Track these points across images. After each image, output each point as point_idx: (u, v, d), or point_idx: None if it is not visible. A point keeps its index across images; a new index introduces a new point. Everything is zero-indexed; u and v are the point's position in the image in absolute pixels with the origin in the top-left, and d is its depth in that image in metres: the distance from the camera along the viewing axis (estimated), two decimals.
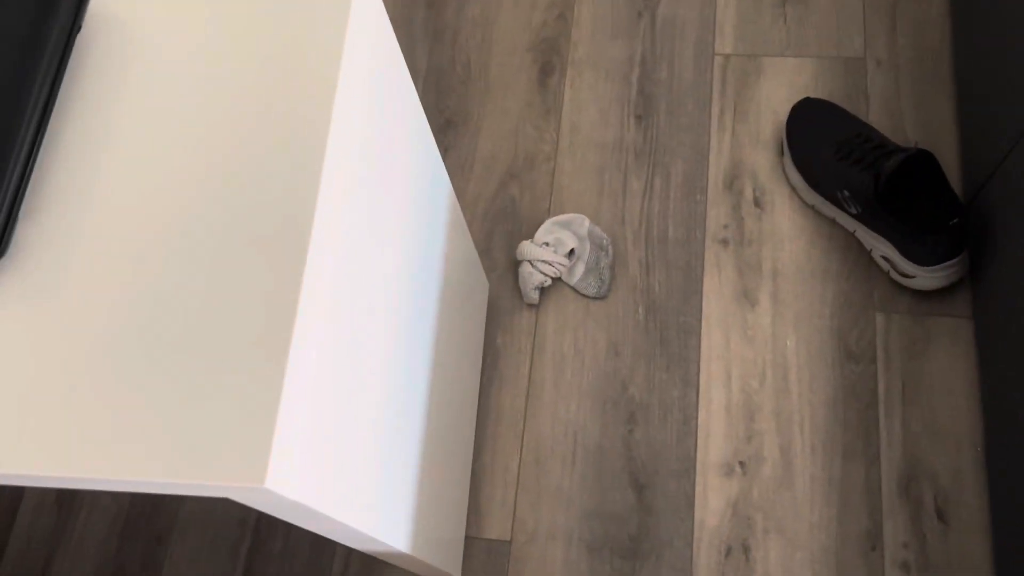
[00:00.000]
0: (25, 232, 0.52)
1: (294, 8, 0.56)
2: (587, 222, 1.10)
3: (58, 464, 0.46)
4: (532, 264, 1.08)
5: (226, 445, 0.45)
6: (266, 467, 0.44)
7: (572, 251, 1.09)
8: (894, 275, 1.04)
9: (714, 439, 1.02)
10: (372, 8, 0.60)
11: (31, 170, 0.52)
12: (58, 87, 0.54)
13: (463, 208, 1.17)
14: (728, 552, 0.97)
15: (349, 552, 1.02)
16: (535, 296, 1.08)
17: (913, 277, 1.02)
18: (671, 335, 1.08)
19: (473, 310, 1.03)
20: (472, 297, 1.02)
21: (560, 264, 1.08)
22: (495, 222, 1.16)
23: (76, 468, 0.45)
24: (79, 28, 0.56)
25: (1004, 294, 0.92)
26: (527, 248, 1.08)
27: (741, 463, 1.01)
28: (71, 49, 0.56)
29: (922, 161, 0.99)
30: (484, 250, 1.14)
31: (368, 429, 0.63)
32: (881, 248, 1.04)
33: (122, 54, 0.57)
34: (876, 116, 1.15)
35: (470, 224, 1.16)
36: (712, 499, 1.00)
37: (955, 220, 0.97)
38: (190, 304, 0.48)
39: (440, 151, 1.20)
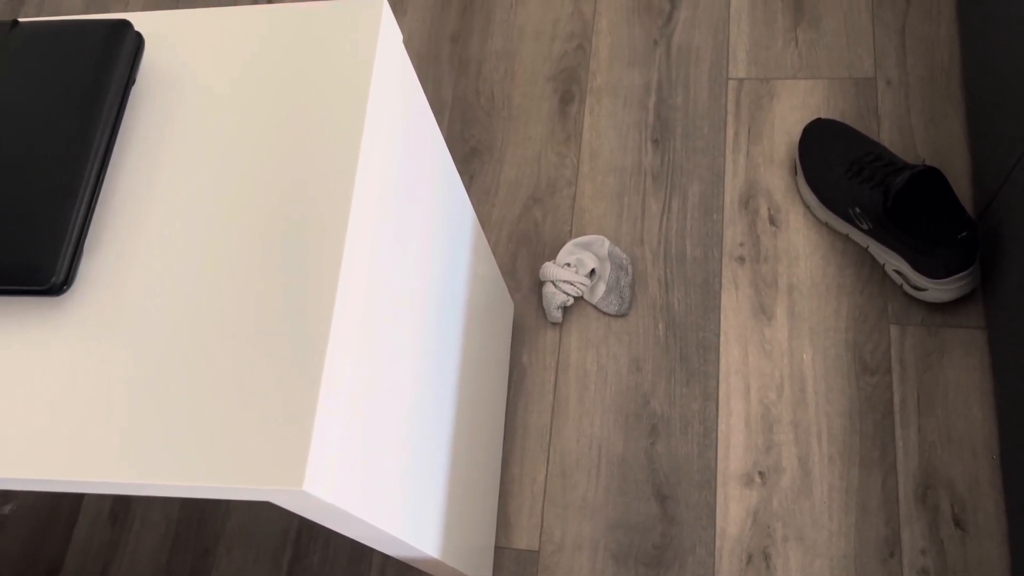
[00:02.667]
0: (88, 266, 0.58)
1: (325, 56, 0.62)
2: (607, 243, 1.15)
3: (114, 472, 0.51)
4: (555, 284, 1.12)
5: (268, 452, 0.50)
6: (304, 471, 0.49)
7: (593, 271, 1.14)
8: (907, 288, 1.07)
9: (734, 450, 1.06)
10: (396, 57, 0.66)
11: (93, 211, 0.58)
12: (116, 135, 0.61)
13: (489, 232, 1.22)
14: (749, 560, 1.00)
15: (384, 563, 1.07)
16: (558, 315, 1.13)
17: (925, 290, 1.05)
18: (691, 350, 1.12)
19: (498, 329, 1.08)
20: (497, 316, 1.07)
21: (581, 284, 1.12)
22: (519, 244, 1.21)
23: (130, 475, 0.51)
24: (134, 81, 0.63)
25: (1016, 305, 0.95)
26: (550, 269, 1.13)
27: (761, 473, 1.04)
28: (127, 100, 0.62)
29: (930, 177, 1.03)
30: (509, 271, 1.19)
31: (399, 440, 0.68)
32: (893, 262, 1.07)
33: (170, 104, 0.63)
34: (887, 134, 1.18)
35: (495, 247, 1.21)
36: (733, 508, 1.03)
37: (964, 234, 1.00)
38: (232, 325, 0.54)
39: (466, 178, 1.26)
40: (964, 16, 1.17)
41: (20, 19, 0.64)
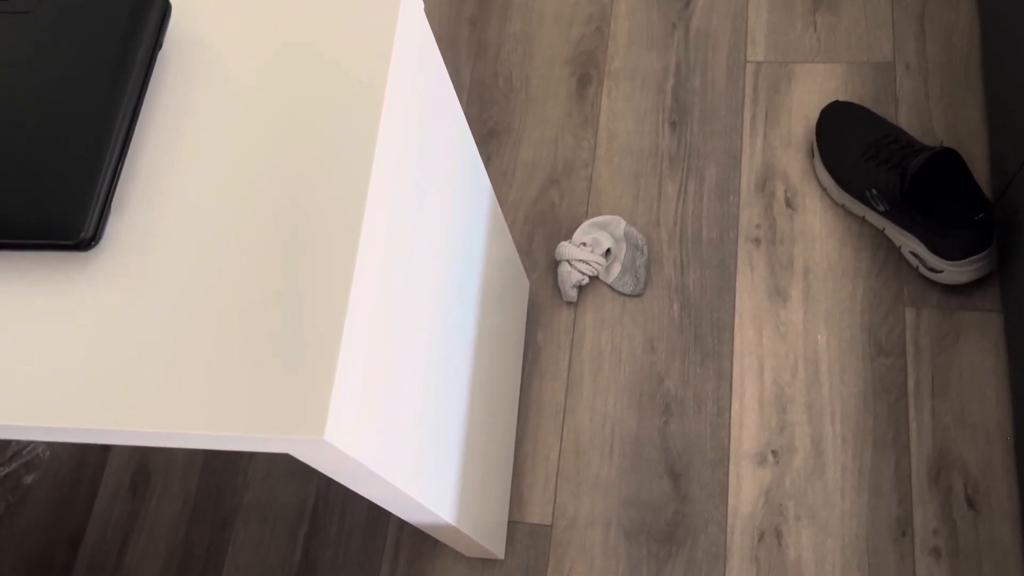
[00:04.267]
0: (115, 223, 0.59)
1: (346, 25, 0.63)
2: (623, 223, 1.16)
3: (137, 421, 0.53)
4: (570, 263, 1.13)
5: (290, 403, 0.51)
6: (325, 421, 0.51)
7: (608, 251, 1.14)
8: (923, 270, 1.07)
9: (747, 430, 1.06)
10: (417, 28, 0.67)
11: (120, 171, 0.60)
12: (143, 98, 0.62)
13: (505, 212, 1.23)
14: (761, 537, 1.01)
15: (400, 536, 1.08)
16: (573, 294, 1.14)
17: (941, 272, 1.05)
18: (705, 331, 1.12)
19: (514, 307, 1.09)
20: (513, 295, 1.08)
21: (597, 263, 1.13)
22: (535, 225, 1.22)
23: (152, 424, 0.52)
24: (160, 46, 0.64)
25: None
26: (565, 248, 1.14)
27: (774, 452, 1.05)
28: (153, 65, 0.63)
29: (948, 159, 1.03)
30: (525, 251, 1.20)
31: (417, 404, 0.69)
32: (910, 244, 1.07)
33: (195, 69, 0.64)
34: (905, 118, 1.18)
35: (512, 227, 1.22)
36: (745, 487, 1.04)
37: (981, 215, 1.00)
38: (253, 283, 0.55)
39: (483, 159, 1.27)
40: (984, 1, 1.16)
41: None
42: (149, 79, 0.63)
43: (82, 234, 0.56)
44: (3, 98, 0.61)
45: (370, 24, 0.63)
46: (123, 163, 0.60)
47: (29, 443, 1.20)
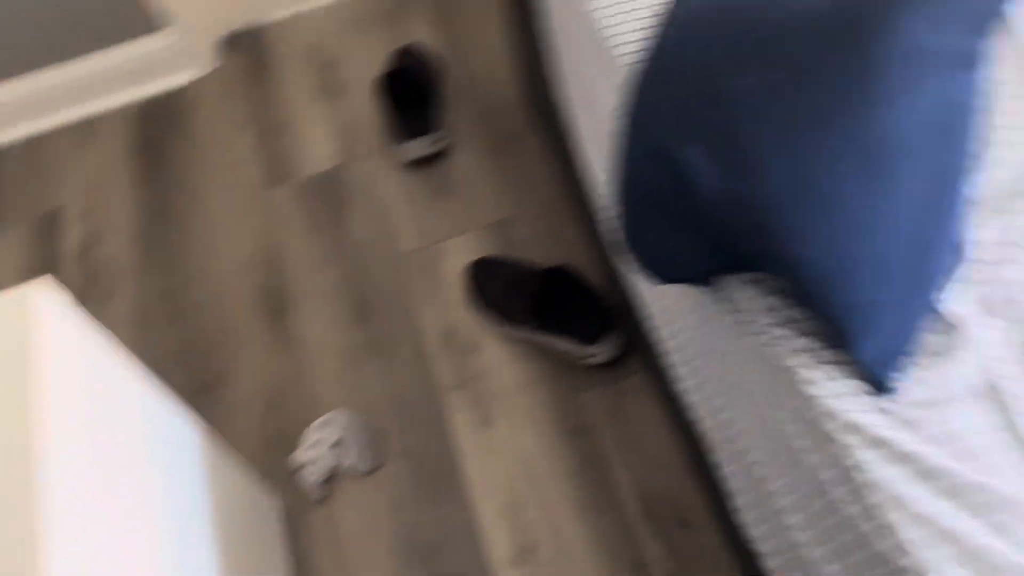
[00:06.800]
0: None
1: None
2: (343, 414, 1.33)
3: None
4: (306, 467, 1.28)
5: None
6: None
7: (339, 441, 1.31)
8: (581, 361, 1.33)
9: (498, 541, 1.23)
10: (67, 330, 0.79)
11: None
12: None
13: (241, 446, 1.36)
14: None
15: None
16: (320, 492, 1.28)
17: (593, 356, 1.31)
18: (438, 476, 1.30)
19: (265, 528, 1.20)
20: (261, 518, 1.20)
21: (330, 457, 1.29)
22: (270, 446, 1.36)
23: None
24: None
25: (648, 344, 1.22)
26: (298, 455, 1.29)
27: (524, 549, 1.22)
28: None
29: (560, 273, 1.31)
30: (269, 472, 1.34)
31: None
32: (563, 345, 1.33)
33: None
34: (530, 254, 1.47)
35: (253, 456, 1.35)
36: None
37: (601, 304, 1.28)
38: None
39: (207, 407, 1.41)
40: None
41: None
42: None
43: None
44: None
45: (12, 348, 0.72)
46: None
47: None
